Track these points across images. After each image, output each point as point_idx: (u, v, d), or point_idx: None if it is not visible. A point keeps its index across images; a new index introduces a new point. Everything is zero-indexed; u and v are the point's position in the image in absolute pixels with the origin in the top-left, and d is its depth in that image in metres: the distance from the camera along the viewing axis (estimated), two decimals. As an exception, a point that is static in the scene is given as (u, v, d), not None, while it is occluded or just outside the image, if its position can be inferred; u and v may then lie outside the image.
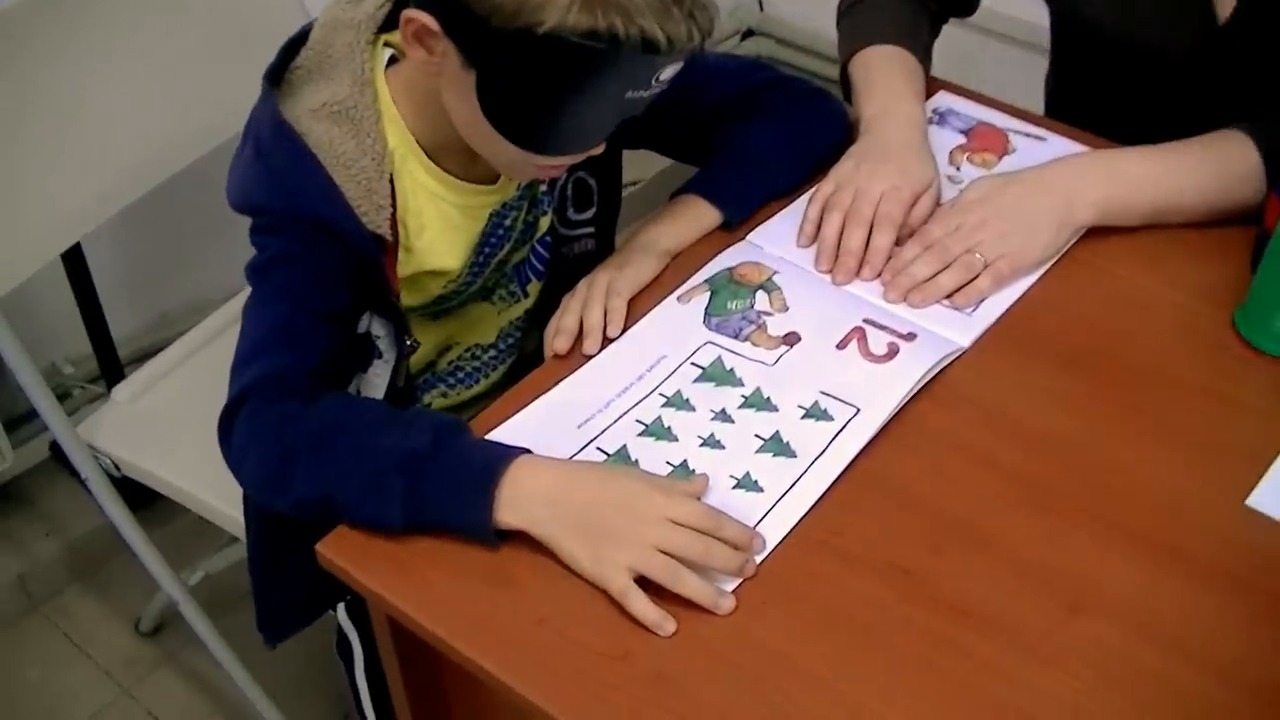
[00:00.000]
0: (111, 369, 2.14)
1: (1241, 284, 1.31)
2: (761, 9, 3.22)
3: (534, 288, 1.48)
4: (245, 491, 1.25)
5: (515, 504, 1.09)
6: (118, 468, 1.74)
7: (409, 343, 1.34)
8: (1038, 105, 1.77)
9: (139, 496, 1.79)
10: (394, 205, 1.27)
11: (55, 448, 2.28)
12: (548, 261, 1.46)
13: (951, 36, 1.68)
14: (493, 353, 1.49)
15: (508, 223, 1.39)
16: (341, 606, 1.52)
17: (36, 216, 1.64)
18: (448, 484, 1.10)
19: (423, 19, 1.16)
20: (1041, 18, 1.67)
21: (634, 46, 1.10)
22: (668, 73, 1.16)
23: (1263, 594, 1.06)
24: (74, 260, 2.02)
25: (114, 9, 1.67)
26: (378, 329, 1.31)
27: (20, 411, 2.19)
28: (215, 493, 1.65)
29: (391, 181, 1.27)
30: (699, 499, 1.12)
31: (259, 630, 1.54)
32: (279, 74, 1.28)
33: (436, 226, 1.32)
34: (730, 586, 1.07)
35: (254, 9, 1.77)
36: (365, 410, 1.19)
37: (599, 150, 1.26)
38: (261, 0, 1.71)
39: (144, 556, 1.81)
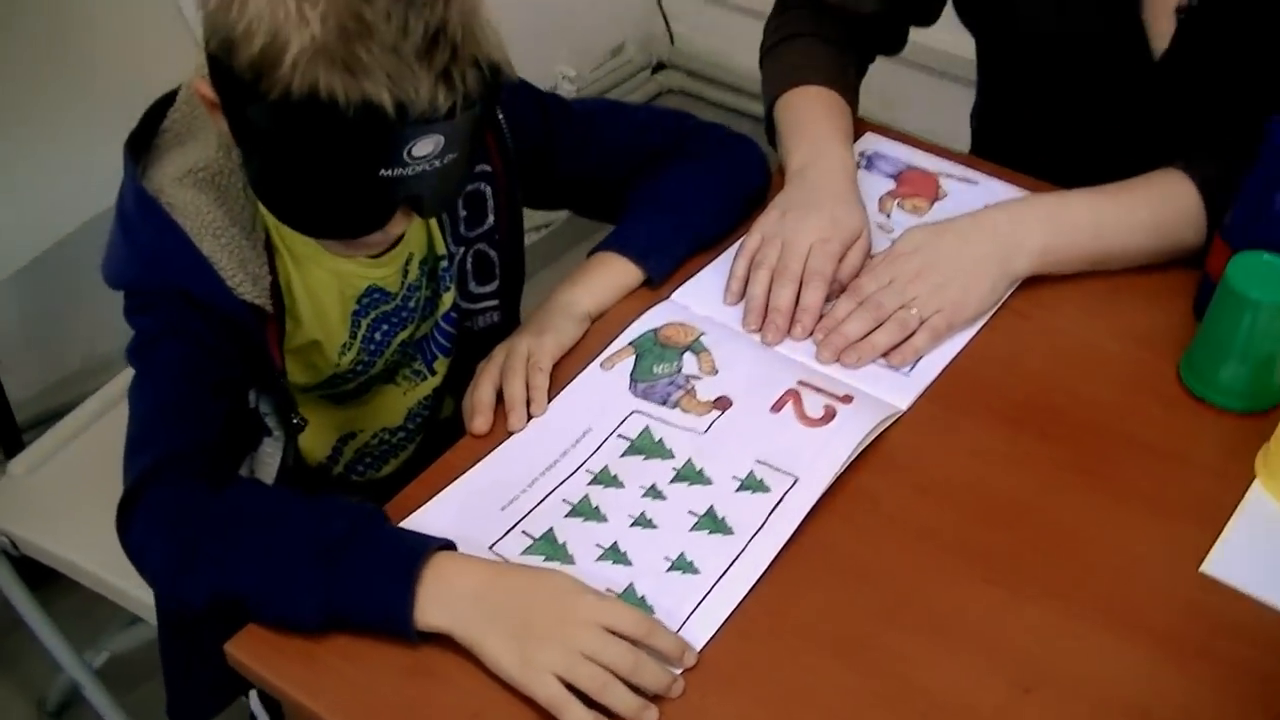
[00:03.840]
0: (9, 436, 2.04)
1: (1185, 330, 1.27)
2: (672, 42, 3.17)
3: (441, 364, 1.40)
4: (149, 583, 1.16)
5: (439, 601, 1.02)
6: (15, 546, 1.64)
7: (295, 420, 1.26)
8: (964, 139, 1.72)
9: (41, 569, 1.69)
10: (274, 273, 1.20)
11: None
12: (453, 337, 1.39)
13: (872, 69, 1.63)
14: (402, 434, 1.42)
15: (415, 302, 1.32)
16: (254, 693, 1.43)
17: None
18: (366, 577, 1.03)
19: (207, 91, 1.10)
20: (967, 50, 1.62)
21: (357, 111, 1.00)
22: (423, 147, 1.04)
23: (1224, 663, 1.02)
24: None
25: (14, 73, 1.64)
26: (264, 406, 1.23)
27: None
28: (121, 572, 1.55)
29: (271, 248, 1.20)
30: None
31: (169, 717, 1.46)
32: (144, 140, 1.20)
33: (312, 293, 1.25)
34: None
35: (154, 79, 1.74)
36: (274, 498, 1.11)
37: (388, 234, 1.17)
38: (162, 71, 1.67)
39: (46, 639, 1.73)
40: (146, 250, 1.15)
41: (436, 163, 1.06)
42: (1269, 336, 1.17)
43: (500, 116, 1.28)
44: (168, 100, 1.21)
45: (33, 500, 1.67)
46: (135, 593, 1.55)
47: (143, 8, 1.76)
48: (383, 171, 1.05)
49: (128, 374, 1.76)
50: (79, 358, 2.26)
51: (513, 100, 1.30)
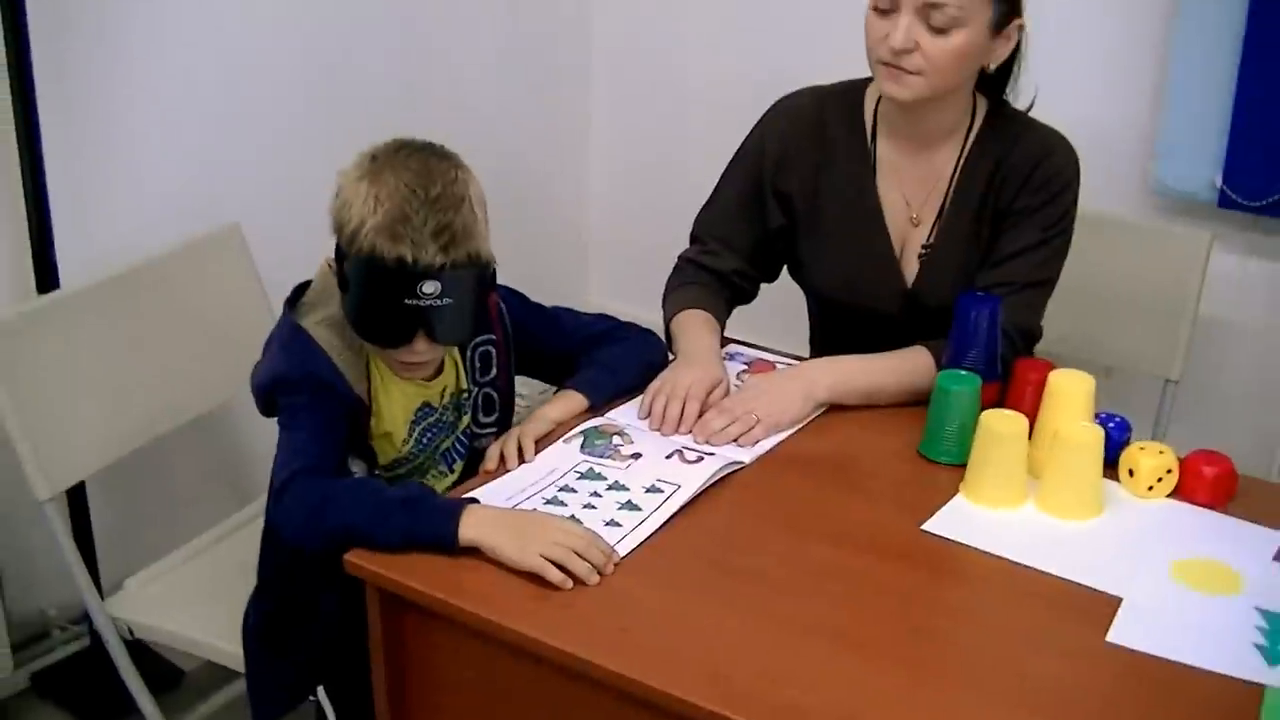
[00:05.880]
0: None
1: (918, 435, 2.06)
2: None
3: (458, 466, 2.15)
4: (288, 539, 1.86)
5: (471, 524, 1.74)
6: (131, 632, 2.31)
7: (376, 473, 2.01)
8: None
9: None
10: (369, 382, 1.97)
11: (37, 678, 2.81)
12: (467, 447, 2.15)
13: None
14: None
15: (446, 419, 2.09)
16: (321, 689, 2.10)
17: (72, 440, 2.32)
18: (433, 514, 1.76)
19: (332, 259, 1.92)
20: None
21: (392, 262, 1.81)
22: (428, 287, 1.82)
23: (937, 574, 1.77)
24: (77, 508, 2.62)
25: (143, 311, 2.44)
26: (355, 467, 1.97)
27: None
28: (214, 634, 2.23)
29: (369, 368, 1.97)
30: None
31: (253, 713, 2.11)
32: (295, 300, 2.01)
33: (389, 401, 2.01)
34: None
35: (230, 317, 2.57)
36: (373, 479, 1.86)
37: (419, 354, 1.91)
38: (238, 311, 2.51)
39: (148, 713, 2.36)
40: (299, 356, 1.93)
41: (438, 301, 1.85)
42: (960, 412, 1.97)
43: (502, 305, 2.10)
44: (307, 283, 2.02)
45: (145, 601, 2.35)
46: (229, 648, 2.19)
47: (231, 280, 2.61)
48: (406, 300, 1.84)
49: (223, 526, 2.50)
50: (160, 534, 2.77)
51: (509, 296, 2.13)
